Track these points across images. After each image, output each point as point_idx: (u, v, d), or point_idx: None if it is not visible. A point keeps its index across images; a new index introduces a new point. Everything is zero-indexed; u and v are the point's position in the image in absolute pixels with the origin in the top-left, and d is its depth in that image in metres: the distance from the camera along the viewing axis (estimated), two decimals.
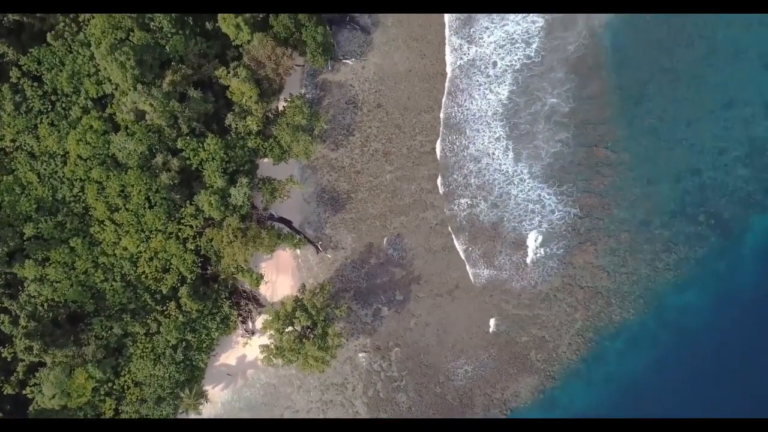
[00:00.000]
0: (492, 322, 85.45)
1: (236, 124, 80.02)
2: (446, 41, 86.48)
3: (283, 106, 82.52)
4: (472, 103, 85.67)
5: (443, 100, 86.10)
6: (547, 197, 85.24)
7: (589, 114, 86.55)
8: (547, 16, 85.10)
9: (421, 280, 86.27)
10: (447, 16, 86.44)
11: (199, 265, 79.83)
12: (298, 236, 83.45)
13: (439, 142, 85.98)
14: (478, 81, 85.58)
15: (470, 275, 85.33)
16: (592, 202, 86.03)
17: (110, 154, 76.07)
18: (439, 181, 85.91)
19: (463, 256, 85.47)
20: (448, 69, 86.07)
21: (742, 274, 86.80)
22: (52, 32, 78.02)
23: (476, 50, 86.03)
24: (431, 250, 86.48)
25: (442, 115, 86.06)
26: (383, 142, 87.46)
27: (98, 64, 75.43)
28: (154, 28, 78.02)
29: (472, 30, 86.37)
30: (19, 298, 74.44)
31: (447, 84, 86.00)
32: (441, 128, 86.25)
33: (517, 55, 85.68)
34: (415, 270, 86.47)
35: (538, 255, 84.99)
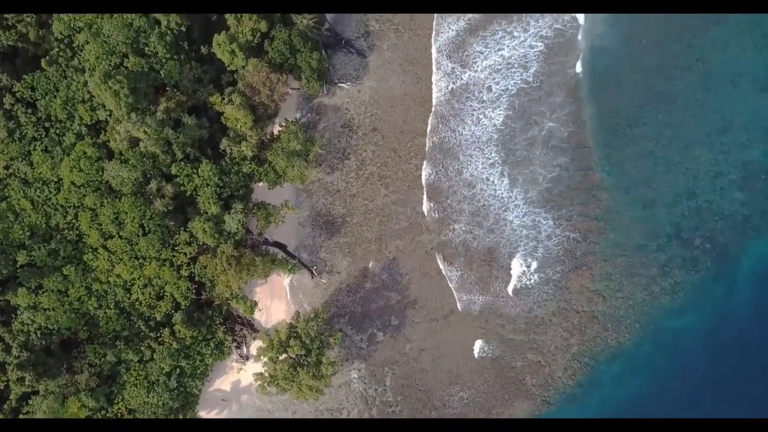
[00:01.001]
0: (477, 344, 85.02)
1: (231, 149, 79.85)
2: (433, 63, 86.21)
3: (279, 131, 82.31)
4: (464, 128, 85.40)
5: (429, 124, 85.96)
6: (543, 222, 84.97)
7: (585, 138, 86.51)
8: (547, 40, 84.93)
9: (416, 304, 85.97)
10: (435, 42, 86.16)
11: (194, 290, 79.50)
12: (292, 261, 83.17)
13: (424, 168, 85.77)
14: (471, 106, 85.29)
15: (458, 304, 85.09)
16: (588, 226, 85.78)
17: (104, 181, 75.76)
18: (425, 206, 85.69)
19: (451, 285, 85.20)
20: (436, 93, 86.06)
21: (739, 298, 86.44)
22: (47, 58, 77.87)
23: (470, 74, 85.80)
24: (427, 274, 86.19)
25: (427, 141, 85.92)
26: (379, 165, 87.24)
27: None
28: (149, 53, 77.88)
29: (465, 54, 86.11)
30: (12, 326, 74.09)
31: (435, 108, 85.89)
32: (426, 152, 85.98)
33: (513, 79, 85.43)
34: (411, 294, 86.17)
35: (532, 280, 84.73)
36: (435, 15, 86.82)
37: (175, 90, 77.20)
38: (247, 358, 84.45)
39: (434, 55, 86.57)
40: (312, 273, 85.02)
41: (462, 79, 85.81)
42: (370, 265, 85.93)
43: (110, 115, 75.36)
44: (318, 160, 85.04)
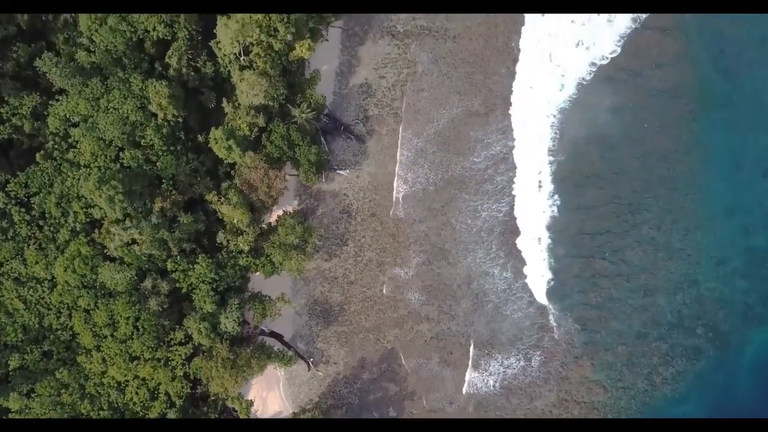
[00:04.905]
0: None
1: (228, 242, 78.80)
2: (398, 147, 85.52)
3: (276, 220, 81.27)
4: (457, 220, 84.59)
5: (391, 212, 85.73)
6: (545, 312, 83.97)
7: (586, 224, 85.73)
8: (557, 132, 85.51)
9: (414, 396, 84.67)
10: (423, 132, 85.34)
11: (189, 386, 78.20)
12: (289, 353, 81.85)
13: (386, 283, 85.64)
14: (465, 198, 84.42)
15: (424, 402, 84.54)
16: (589, 315, 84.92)
17: (98, 281, 74.47)
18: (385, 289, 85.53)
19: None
20: (419, 184, 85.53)
21: (741, 387, 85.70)
22: (42, 151, 76.70)
23: (464, 164, 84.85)
24: (426, 364, 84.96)
25: (398, 234, 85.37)
26: (377, 251, 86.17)
27: None
28: (145, 144, 76.87)
29: (459, 142, 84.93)
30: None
31: (419, 199, 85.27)
32: (411, 244, 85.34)
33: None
34: (409, 386, 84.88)
35: (533, 373, 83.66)
36: (405, 114, 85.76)
37: (171, 186, 76.11)
38: None
39: (415, 141, 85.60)
40: (309, 365, 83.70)
41: (454, 170, 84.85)
42: (375, 356, 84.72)
43: (105, 216, 74.20)
44: (316, 246, 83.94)
